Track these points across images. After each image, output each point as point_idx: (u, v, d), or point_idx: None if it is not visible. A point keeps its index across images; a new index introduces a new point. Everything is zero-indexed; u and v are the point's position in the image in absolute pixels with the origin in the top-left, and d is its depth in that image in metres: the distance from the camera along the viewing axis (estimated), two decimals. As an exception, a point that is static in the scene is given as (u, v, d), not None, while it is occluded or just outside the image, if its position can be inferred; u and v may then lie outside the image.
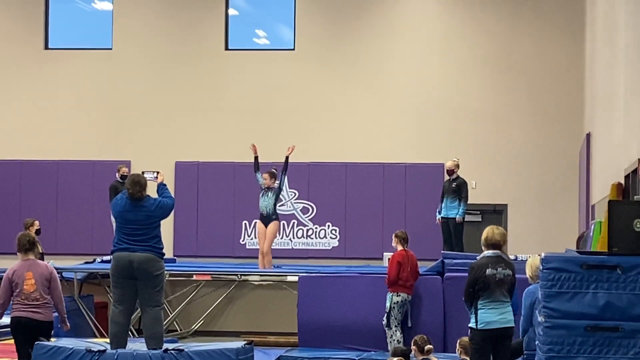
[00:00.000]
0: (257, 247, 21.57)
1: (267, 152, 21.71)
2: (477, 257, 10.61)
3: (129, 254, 10.97)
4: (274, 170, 17.68)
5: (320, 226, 21.72)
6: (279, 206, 18.60)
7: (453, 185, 17.73)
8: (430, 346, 12.14)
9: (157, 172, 11.57)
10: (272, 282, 19.56)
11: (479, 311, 10.23)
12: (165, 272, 11.52)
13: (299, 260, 20.93)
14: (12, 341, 12.27)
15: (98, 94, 22.42)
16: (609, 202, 8.68)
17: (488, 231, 10.47)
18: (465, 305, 10.44)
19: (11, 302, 11.43)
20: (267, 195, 17.49)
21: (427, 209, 20.01)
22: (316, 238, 21.70)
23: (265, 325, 20.21)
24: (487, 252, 10.40)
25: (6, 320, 12.17)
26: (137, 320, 16.61)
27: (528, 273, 11.00)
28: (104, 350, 11.00)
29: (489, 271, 10.22)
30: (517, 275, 10.55)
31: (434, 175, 20.92)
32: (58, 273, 17.96)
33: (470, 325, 10.34)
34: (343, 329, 15.93)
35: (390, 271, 15.35)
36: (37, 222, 18.20)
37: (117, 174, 19.39)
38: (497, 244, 10.42)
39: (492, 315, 10.21)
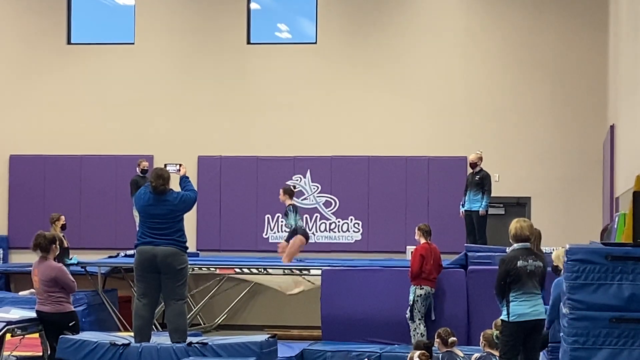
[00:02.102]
0: (281, 240, 21.71)
1: (288, 146, 21.79)
2: (507, 250, 10.59)
3: (153, 247, 11.02)
4: (289, 188, 17.61)
5: (343, 220, 21.70)
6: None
7: (476, 178, 17.70)
8: (454, 339, 12.12)
9: (180, 165, 11.60)
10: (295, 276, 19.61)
11: (511, 303, 10.21)
12: (189, 266, 11.55)
13: (322, 254, 20.92)
14: (37, 335, 12.45)
15: (120, 88, 22.46)
16: (634, 193, 8.61)
17: (516, 226, 10.42)
18: (497, 298, 10.41)
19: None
20: (286, 214, 17.41)
21: (450, 202, 19.97)
22: (339, 232, 21.69)
23: (289, 319, 20.25)
24: (516, 245, 10.39)
25: (30, 314, 12.33)
26: (160, 314, 16.66)
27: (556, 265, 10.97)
28: (128, 344, 11.06)
29: (520, 263, 10.22)
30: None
31: (457, 169, 20.88)
32: (82, 267, 18.24)
33: (502, 317, 10.32)
34: (366, 323, 15.93)
35: (413, 264, 15.34)
36: (62, 217, 18.30)
37: (137, 168, 19.44)
38: (528, 238, 10.41)
39: (524, 308, 10.21)
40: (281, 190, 17.61)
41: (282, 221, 21.50)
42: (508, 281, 10.23)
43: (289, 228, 17.51)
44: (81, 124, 22.47)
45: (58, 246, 12.26)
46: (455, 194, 19.19)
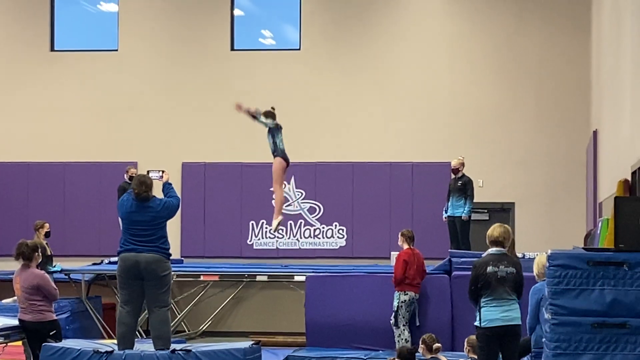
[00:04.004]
0: (265, 247, 21.69)
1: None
2: (482, 255, 10.62)
3: (136, 254, 10.99)
4: (269, 110, 16.79)
5: (327, 226, 21.70)
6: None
7: (459, 184, 17.75)
8: (439, 345, 12.15)
9: (163, 171, 11.59)
10: (280, 282, 19.60)
11: (482, 309, 10.23)
12: (173, 272, 11.52)
13: (307, 260, 20.92)
14: (20, 343, 12.42)
15: (104, 95, 22.42)
16: (616, 198, 8.64)
17: (491, 229, 10.48)
18: (471, 303, 10.44)
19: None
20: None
21: (434, 207, 19.98)
22: (323, 238, 21.68)
23: (273, 325, 20.24)
24: (491, 250, 10.41)
25: (13, 322, 12.30)
26: (144, 321, 16.62)
27: (534, 271, 11.00)
28: (112, 351, 11.02)
29: (489, 269, 10.21)
30: (524, 274, 10.52)
31: (440, 174, 20.88)
32: (65, 275, 18.19)
33: (475, 323, 10.35)
34: (351, 329, 15.94)
35: (397, 270, 15.36)
36: (47, 225, 18.21)
37: (125, 175, 19.38)
38: (499, 242, 10.40)
39: (494, 313, 10.21)
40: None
41: (266, 227, 21.50)
42: (479, 286, 10.24)
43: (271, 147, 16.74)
44: (65, 131, 22.41)
45: (40, 254, 12.25)
46: (439, 199, 19.18)
